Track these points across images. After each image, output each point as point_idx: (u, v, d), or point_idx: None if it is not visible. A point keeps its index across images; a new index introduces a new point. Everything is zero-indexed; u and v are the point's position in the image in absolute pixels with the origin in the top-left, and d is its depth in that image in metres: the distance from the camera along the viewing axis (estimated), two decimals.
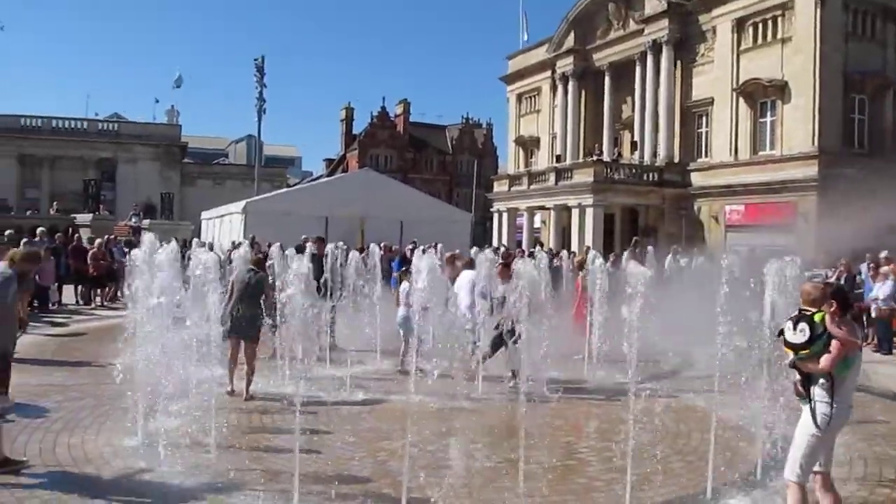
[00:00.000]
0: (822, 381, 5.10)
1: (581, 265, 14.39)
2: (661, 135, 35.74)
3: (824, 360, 5.01)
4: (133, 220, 33.15)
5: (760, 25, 31.44)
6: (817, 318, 5.09)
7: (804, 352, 5.09)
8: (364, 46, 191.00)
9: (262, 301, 10.07)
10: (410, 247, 18.72)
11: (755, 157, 31.51)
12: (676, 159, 35.21)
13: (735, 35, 32.23)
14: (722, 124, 33.01)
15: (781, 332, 5.29)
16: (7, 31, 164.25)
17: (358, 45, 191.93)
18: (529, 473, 6.88)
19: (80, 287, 20.34)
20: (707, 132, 34.51)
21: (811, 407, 5.15)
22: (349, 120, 74.81)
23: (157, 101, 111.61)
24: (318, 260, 13.84)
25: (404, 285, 11.80)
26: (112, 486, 6.19)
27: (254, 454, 7.27)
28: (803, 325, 5.10)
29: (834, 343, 5.01)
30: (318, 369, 11.58)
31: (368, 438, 8.02)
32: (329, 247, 15.22)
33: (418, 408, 9.48)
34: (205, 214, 36.57)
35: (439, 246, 20.49)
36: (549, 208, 38.16)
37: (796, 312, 5.29)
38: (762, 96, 31.33)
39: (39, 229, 20.91)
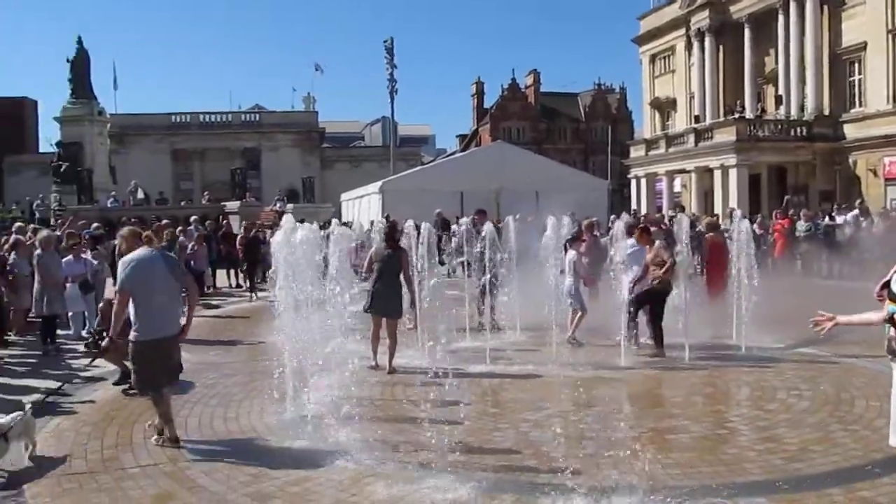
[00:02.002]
0: None
1: (713, 227, 13.75)
2: (808, 86, 33.60)
3: None
4: (278, 205, 34.46)
5: None
6: None
7: None
8: (491, 19, 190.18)
9: (400, 276, 10.19)
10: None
11: None
12: (826, 111, 33.01)
13: None
14: (876, 70, 30.61)
15: (887, 284, 4.78)
16: (153, 37, 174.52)
17: (485, 18, 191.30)
18: (676, 443, 6.65)
19: (231, 271, 21.35)
20: (860, 80, 32.12)
21: None
22: (480, 94, 74.72)
23: (295, 90, 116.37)
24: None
25: (571, 254, 11.64)
26: (264, 457, 6.43)
27: (397, 426, 7.37)
28: None
29: None
30: (460, 341, 11.74)
31: (510, 409, 7.97)
32: (464, 220, 15.23)
33: (561, 378, 9.41)
34: (344, 196, 37.66)
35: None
36: (689, 171, 36.80)
37: None
38: None
39: (192, 218, 22.11)
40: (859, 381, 8.63)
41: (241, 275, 20.70)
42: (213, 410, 7.97)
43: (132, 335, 6.74)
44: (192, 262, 18.96)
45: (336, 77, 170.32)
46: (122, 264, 6.70)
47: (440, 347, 11.16)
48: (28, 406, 6.67)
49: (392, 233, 10.53)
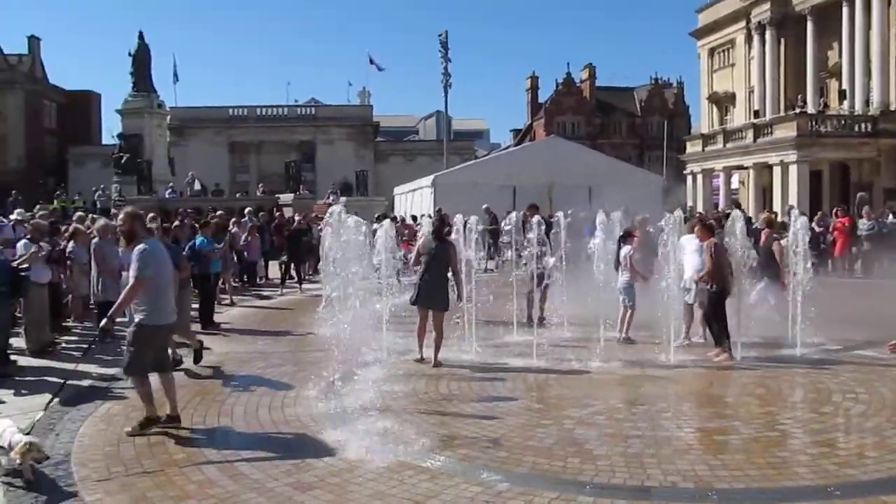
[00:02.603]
0: None
1: (769, 224, 13.30)
2: (873, 80, 32.57)
3: None
4: (331, 198, 34.74)
5: None
6: None
7: None
8: (546, 12, 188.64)
9: (448, 270, 10.17)
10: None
11: None
12: (893, 106, 31.93)
13: None
14: None
15: None
16: (213, 30, 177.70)
17: (540, 11, 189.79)
18: (724, 444, 6.50)
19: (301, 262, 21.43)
20: None
21: None
22: (534, 89, 74.32)
23: (350, 84, 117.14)
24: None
25: (626, 249, 11.49)
26: (307, 447, 6.47)
27: (440, 419, 7.34)
28: None
29: None
30: (506, 336, 11.68)
31: (555, 406, 7.89)
32: (513, 214, 15.12)
33: (608, 375, 9.28)
34: (397, 189, 37.82)
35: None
36: (747, 167, 36.03)
37: None
38: None
39: (247, 209, 22.40)
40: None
41: (292, 266, 20.86)
42: (259, 399, 8.04)
43: (139, 318, 6.92)
44: (245, 253, 19.28)
45: (391, 71, 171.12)
46: (141, 252, 6.79)
47: (486, 342, 11.14)
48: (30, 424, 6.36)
49: (441, 226, 10.53)
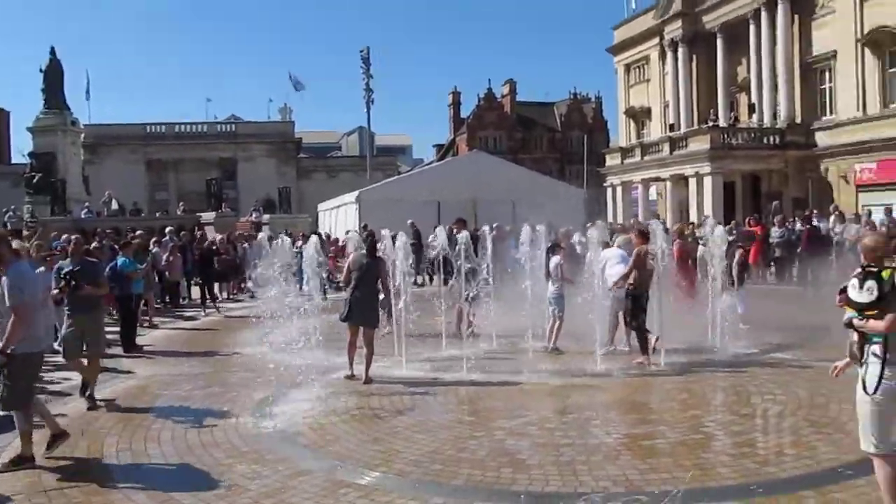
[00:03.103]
0: (875, 340, 4.68)
1: (681, 233, 13.95)
2: (780, 95, 33.97)
3: (887, 320, 4.60)
4: (254, 215, 34.28)
5: None
6: (885, 274, 4.66)
7: (871, 311, 4.68)
8: (467, 28, 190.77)
9: (378, 286, 10.18)
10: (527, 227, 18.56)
11: (886, 111, 29.42)
12: (798, 119, 33.38)
13: None
14: (847, 78, 31.00)
15: (844, 290, 4.88)
16: (130, 44, 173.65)
17: (461, 27, 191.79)
18: (652, 449, 6.68)
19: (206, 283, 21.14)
20: (831, 88, 32.51)
21: (863, 371, 4.76)
22: (456, 104, 74.95)
23: (271, 101, 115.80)
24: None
25: (555, 259, 11.67)
26: (238, 468, 6.37)
27: (374, 436, 7.33)
28: (871, 284, 4.69)
29: None
30: (437, 350, 11.73)
31: (487, 417, 7.96)
32: (440, 229, 15.20)
33: (538, 386, 9.43)
34: (321, 206, 37.58)
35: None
36: (664, 179, 37.06)
37: (860, 269, 4.85)
38: (891, 45, 29.18)
39: (168, 229, 21.93)
40: (831, 384, 8.65)
41: (216, 286, 20.52)
42: (187, 422, 7.86)
43: (18, 348, 6.40)
44: (166, 273, 18.84)
45: (313, 87, 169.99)
46: (17, 275, 6.47)
47: (417, 357, 11.17)
48: None
49: (374, 242, 10.63)
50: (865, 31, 29.76)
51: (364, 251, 10.47)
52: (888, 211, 21.27)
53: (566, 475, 6.00)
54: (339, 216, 32.10)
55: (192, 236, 22.80)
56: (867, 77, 30.04)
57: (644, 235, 10.90)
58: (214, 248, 20.81)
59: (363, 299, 9.97)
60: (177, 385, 9.89)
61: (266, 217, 34.31)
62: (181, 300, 19.88)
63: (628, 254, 11.25)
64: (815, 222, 21.73)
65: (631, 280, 10.46)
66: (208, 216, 32.65)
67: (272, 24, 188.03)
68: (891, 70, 29.44)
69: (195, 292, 20.41)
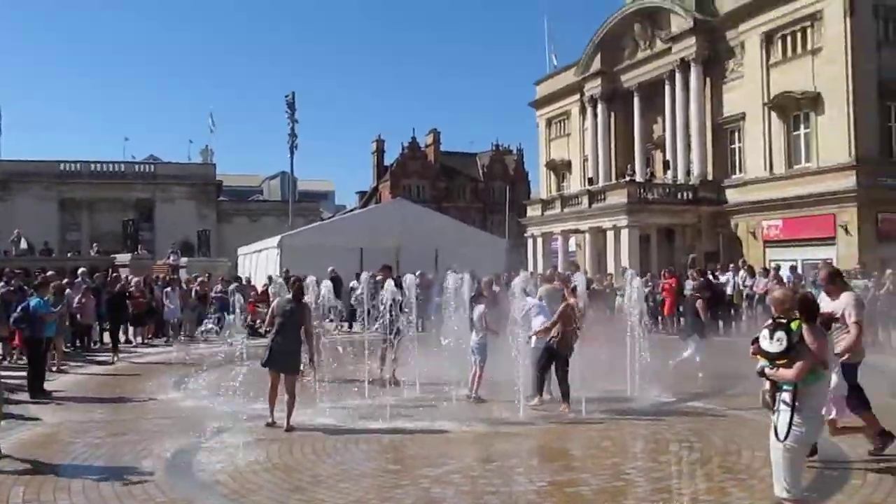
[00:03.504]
0: (786, 389, 4.94)
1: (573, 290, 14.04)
2: (693, 153, 35.39)
3: (794, 369, 4.86)
4: (171, 258, 33.54)
5: (789, 38, 31.08)
6: (794, 326, 4.94)
7: (781, 361, 4.94)
8: (393, 78, 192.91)
9: (301, 332, 10.06)
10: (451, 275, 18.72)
11: (791, 171, 30.98)
12: (710, 177, 34.78)
13: (764, 49, 31.88)
14: (755, 139, 32.58)
15: (756, 341, 5.14)
16: (47, 82, 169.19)
17: (387, 76, 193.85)
18: (576, 496, 6.75)
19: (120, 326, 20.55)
20: (740, 148, 34.07)
21: (775, 418, 5.00)
22: (380, 152, 75.45)
23: (192, 142, 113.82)
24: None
25: (479, 309, 11.72)
26: None
27: (296, 485, 7.19)
28: (780, 335, 4.96)
29: (805, 353, 4.87)
30: (360, 397, 11.63)
31: (411, 466, 7.91)
32: (364, 276, 15.24)
33: (461, 434, 9.43)
34: (241, 250, 36.99)
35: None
36: (583, 231, 37.91)
37: (771, 321, 5.13)
38: (795, 109, 30.90)
39: (80, 270, 21.23)
40: (745, 432, 8.99)
41: (131, 330, 19.96)
42: (99, 472, 7.55)
43: None
44: (78, 316, 18.20)
45: (235, 130, 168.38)
46: None
47: (339, 404, 11.05)
48: None
49: (300, 287, 10.51)
50: (772, 96, 31.42)
51: (288, 296, 10.36)
52: (793, 268, 22.31)
53: None
54: (261, 261, 31.66)
55: (105, 278, 22.12)
56: (773, 138, 31.63)
57: (574, 290, 11.08)
58: (129, 291, 20.27)
59: (285, 345, 9.82)
60: (88, 432, 9.50)
61: (184, 260, 33.63)
62: (93, 344, 19.20)
63: (549, 304, 11.49)
64: (711, 277, 22.75)
65: (554, 333, 10.63)
66: (123, 258, 31.81)
67: (194, 65, 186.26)
68: (795, 133, 31.07)
69: (108, 336, 19.74)
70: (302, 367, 10.63)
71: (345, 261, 26.10)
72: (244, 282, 24.10)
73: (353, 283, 24.04)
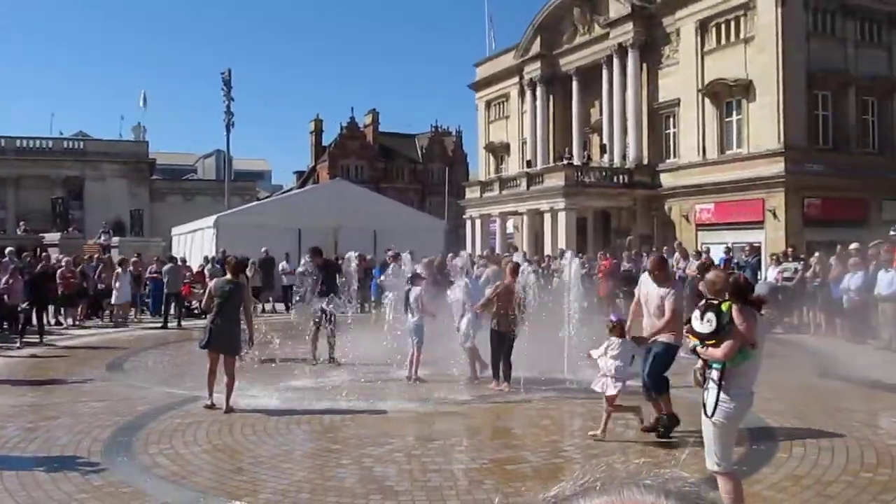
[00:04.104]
0: (715, 367, 5.13)
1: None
2: (629, 137, 35.98)
3: (723, 348, 5.04)
4: (103, 237, 32.66)
5: (723, 26, 31.81)
6: (724, 307, 5.11)
7: (710, 341, 5.11)
8: (331, 58, 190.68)
9: (241, 312, 10.00)
10: (390, 254, 18.77)
11: (723, 157, 31.80)
12: (646, 161, 35.45)
13: (699, 36, 32.57)
14: (689, 125, 33.30)
15: (689, 321, 5.31)
16: None
17: (325, 57, 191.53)
18: (516, 473, 6.88)
19: (51, 307, 20.00)
20: (675, 133, 34.78)
21: (705, 395, 5.20)
22: (318, 132, 74.58)
23: (123, 118, 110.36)
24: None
25: (416, 291, 11.74)
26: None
27: (237, 466, 7.17)
28: (711, 315, 5.10)
29: (734, 333, 5.04)
30: (300, 379, 11.59)
31: (353, 445, 7.94)
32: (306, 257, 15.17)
33: (402, 414, 9.50)
34: (175, 230, 36.23)
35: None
36: (521, 213, 38.26)
37: (703, 302, 5.30)
38: (728, 96, 31.67)
39: (8, 249, 20.56)
40: (679, 409, 9.24)
41: (63, 311, 19.44)
42: (33, 456, 7.39)
43: None
44: (5, 297, 17.63)
45: (169, 108, 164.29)
46: None
47: (279, 385, 11.01)
48: None
49: (238, 266, 10.43)
50: (705, 83, 32.12)
51: (227, 276, 10.25)
52: (727, 250, 22.94)
53: (434, 501, 6.09)
54: (196, 241, 31.06)
55: (34, 258, 21.45)
56: (707, 124, 32.38)
57: (514, 271, 11.17)
58: (58, 270, 19.71)
59: (224, 326, 9.72)
60: (21, 416, 9.27)
61: (116, 240, 32.81)
62: (20, 326, 18.62)
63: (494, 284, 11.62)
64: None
65: (493, 312, 10.75)
66: (52, 237, 30.87)
67: (127, 40, 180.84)
68: (727, 119, 31.87)
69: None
70: (243, 352, 10.59)
71: (283, 241, 25.88)
72: (179, 262, 23.61)
73: (283, 265, 23.93)
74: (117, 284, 20.62)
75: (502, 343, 10.58)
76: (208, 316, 10.01)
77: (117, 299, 20.70)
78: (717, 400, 5.07)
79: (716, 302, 5.17)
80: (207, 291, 10.46)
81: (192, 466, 7.08)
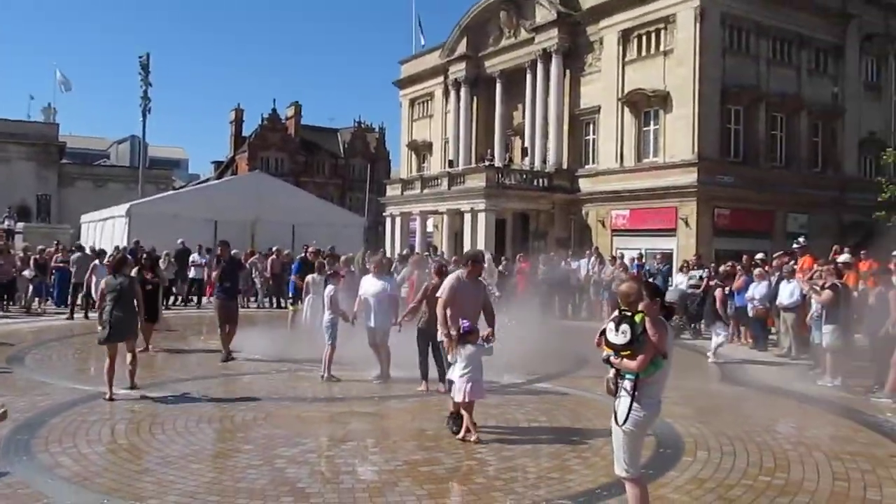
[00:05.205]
0: (628, 377, 5.28)
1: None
2: (550, 141, 36.53)
3: (637, 361, 5.18)
4: (6, 223, 31.32)
5: (644, 38, 32.64)
6: (637, 318, 5.25)
7: (625, 352, 5.24)
8: (254, 48, 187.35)
9: (135, 303, 10.07)
10: (312, 249, 18.54)
11: (639, 164, 32.62)
12: (565, 165, 36.06)
13: (621, 46, 33.33)
14: (608, 132, 34.04)
15: (603, 332, 5.43)
16: None
17: (248, 46, 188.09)
18: (430, 475, 6.89)
19: None
20: (594, 139, 35.49)
21: (616, 403, 5.34)
22: (238, 122, 73.26)
23: (33, 98, 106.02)
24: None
25: (329, 288, 11.63)
26: None
27: (143, 466, 6.96)
28: (625, 327, 5.22)
29: (647, 345, 5.19)
30: (206, 374, 11.37)
31: (265, 446, 7.81)
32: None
33: (316, 413, 9.41)
34: (85, 217, 34.99)
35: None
36: (441, 213, 38.40)
37: (616, 313, 5.43)
38: (646, 106, 32.50)
39: None
40: (590, 412, 9.48)
41: None
42: None
43: None
44: None
45: (82, 89, 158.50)
46: None
47: (186, 381, 10.77)
48: None
49: (122, 260, 10.53)
50: (625, 92, 32.90)
51: (114, 273, 10.25)
52: (640, 256, 23.57)
53: (346, 503, 6.05)
54: (106, 230, 30.05)
55: None
56: (625, 132, 33.18)
57: (439, 270, 11.14)
58: None
59: (121, 317, 9.83)
60: None
61: (20, 225, 31.50)
62: None
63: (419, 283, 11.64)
64: (571, 263, 23.83)
65: (422, 313, 10.73)
66: None
67: (38, 17, 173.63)
68: (645, 128, 32.71)
69: None
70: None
71: (199, 233, 25.28)
72: (88, 251, 22.79)
73: (195, 257, 23.39)
74: (24, 273, 19.88)
75: (428, 343, 10.54)
76: (103, 313, 9.90)
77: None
78: (630, 409, 5.20)
79: (629, 313, 5.27)
80: (100, 290, 10.45)
81: (97, 467, 6.84)
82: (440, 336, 9.07)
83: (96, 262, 18.17)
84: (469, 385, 8.12)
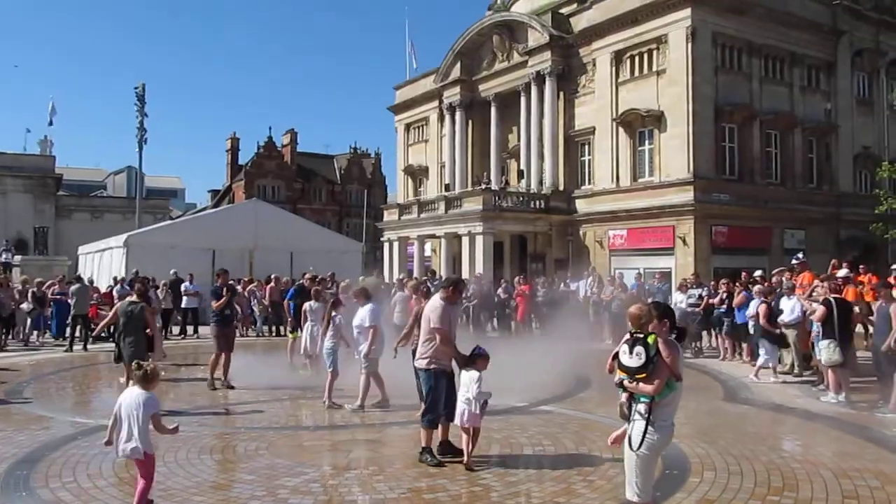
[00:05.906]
0: (642, 401, 5.23)
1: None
2: (546, 163, 36.65)
3: (653, 385, 5.11)
4: (4, 256, 31.27)
5: (637, 58, 32.85)
6: (650, 340, 5.19)
7: (640, 375, 5.18)
8: (249, 77, 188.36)
9: (145, 331, 10.13)
10: (309, 276, 18.46)
11: (635, 184, 32.71)
12: (561, 187, 36.15)
13: (614, 67, 33.55)
14: (603, 153, 34.17)
15: (616, 356, 5.37)
16: None
17: (244, 76, 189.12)
18: (434, 502, 6.82)
19: None
20: (590, 160, 35.62)
21: (630, 428, 5.28)
22: (235, 150, 73.51)
23: (29, 132, 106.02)
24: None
25: (338, 318, 11.59)
26: None
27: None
28: (640, 349, 5.17)
29: (661, 367, 5.14)
30: (212, 403, 11.28)
31: (267, 476, 7.73)
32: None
33: (318, 442, 9.34)
34: (82, 249, 34.95)
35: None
36: (439, 237, 38.41)
37: (629, 336, 5.37)
38: (640, 126, 32.66)
39: None
40: (595, 435, 9.40)
41: None
42: None
43: None
44: None
45: (80, 123, 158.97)
46: None
47: (187, 411, 10.68)
48: None
49: (144, 287, 10.50)
50: (619, 112, 33.08)
51: (131, 297, 10.26)
52: (638, 276, 23.52)
53: None
54: (104, 261, 29.98)
55: None
56: (620, 153, 33.31)
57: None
58: None
59: (132, 342, 10.05)
60: None
61: (18, 258, 31.45)
62: None
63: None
64: (570, 285, 23.80)
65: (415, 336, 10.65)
66: None
67: (35, 51, 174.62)
68: (640, 148, 32.84)
69: None
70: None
71: (197, 262, 25.20)
72: (87, 282, 22.74)
73: (186, 285, 23.28)
74: (23, 306, 19.81)
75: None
76: (117, 337, 10.07)
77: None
78: (645, 433, 5.13)
79: (642, 335, 5.23)
80: (113, 312, 10.52)
81: (98, 501, 6.77)
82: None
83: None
84: (465, 410, 8.00)
